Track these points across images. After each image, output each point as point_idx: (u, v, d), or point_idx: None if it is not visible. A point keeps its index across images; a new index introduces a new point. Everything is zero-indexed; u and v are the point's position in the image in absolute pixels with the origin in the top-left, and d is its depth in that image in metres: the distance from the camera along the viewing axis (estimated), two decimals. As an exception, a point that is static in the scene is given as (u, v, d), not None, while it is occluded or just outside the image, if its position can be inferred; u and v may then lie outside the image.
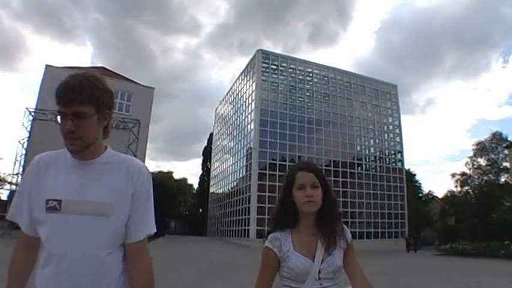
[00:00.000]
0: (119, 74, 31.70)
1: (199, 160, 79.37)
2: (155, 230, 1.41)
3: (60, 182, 1.30)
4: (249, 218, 51.80)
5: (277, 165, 46.26)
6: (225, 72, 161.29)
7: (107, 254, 1.29)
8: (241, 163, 61.84)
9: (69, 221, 1.25)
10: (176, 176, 76.19)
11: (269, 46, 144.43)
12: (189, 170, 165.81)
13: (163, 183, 47.00)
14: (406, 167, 57.66)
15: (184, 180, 77.33)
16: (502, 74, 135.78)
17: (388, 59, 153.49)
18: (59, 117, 1.28)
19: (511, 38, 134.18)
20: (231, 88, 72.48)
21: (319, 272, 1.50)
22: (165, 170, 75.79)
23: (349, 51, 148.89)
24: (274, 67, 61.61)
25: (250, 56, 63.90)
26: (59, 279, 1.24)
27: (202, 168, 77.15)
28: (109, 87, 1.36)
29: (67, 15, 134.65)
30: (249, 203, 53.38)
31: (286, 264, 1.53)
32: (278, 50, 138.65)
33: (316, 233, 1.58)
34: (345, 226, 1.63)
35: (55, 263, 1.24)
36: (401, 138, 57.61)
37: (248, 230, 51.74)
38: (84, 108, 1.27)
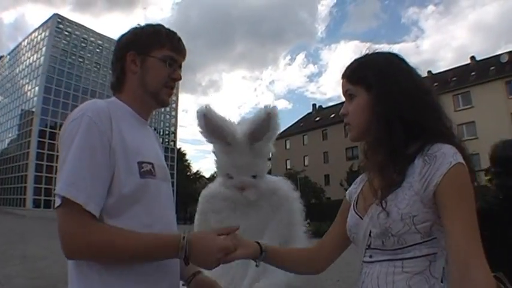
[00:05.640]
0: None
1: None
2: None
3: (141, 140, 1.05)
4: (25, 187, 51.07)
5: (58, 135, 49.59)
6: (6, 14, 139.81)
7: None
8: (18, 129, 58.52)
9: (162, 188, 1.05)
10: None
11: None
12: None
13: None
14: (179, 144, 66.46)
15: None
16: (287, 71, 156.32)
17: (182, 32, 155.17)
18: (160, 62, 1.10)
19: (302, 40, 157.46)
20: (19, 45, 66.50)
21: (370, 235, 0.92)
22: None
23: (146, 16, 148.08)
24: (67, 33, 60.28)
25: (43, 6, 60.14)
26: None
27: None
28: None
29: None
30: (26, 171, 52.47)
31: None
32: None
33: None
34: (436, 155, 0.83)
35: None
36: (176, 121, 65.73)
37: (24, 199, 51.08)
38: None
